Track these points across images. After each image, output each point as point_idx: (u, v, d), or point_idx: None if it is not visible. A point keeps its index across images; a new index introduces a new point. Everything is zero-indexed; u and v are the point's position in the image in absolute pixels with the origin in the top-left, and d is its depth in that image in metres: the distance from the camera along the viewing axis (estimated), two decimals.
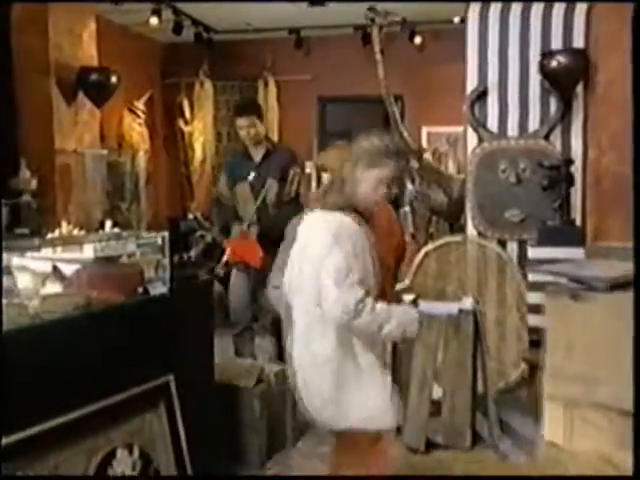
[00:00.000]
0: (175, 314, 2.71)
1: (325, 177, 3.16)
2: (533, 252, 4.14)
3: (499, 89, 4.64)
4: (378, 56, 4.70)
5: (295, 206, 3.98)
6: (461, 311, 3.34)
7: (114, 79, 5.14)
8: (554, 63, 4.17)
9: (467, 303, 3.44)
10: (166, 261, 2.65)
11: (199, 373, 2.91)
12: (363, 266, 2.19)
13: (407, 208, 4.84)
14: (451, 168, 6.43)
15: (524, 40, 4.51)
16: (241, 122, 4.24)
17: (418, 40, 6.73)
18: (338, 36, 6.81)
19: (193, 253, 6.56)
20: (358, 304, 2.09)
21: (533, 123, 4.59)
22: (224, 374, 3.27)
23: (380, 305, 2.16)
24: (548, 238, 4.11)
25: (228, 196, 4.45)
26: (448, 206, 4.92)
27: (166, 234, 2.67)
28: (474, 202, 4.68)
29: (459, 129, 6.57)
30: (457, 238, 4.55)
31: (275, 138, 7.07)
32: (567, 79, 4.16)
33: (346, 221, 2.21)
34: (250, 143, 4.30)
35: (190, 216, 7.08)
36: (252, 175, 4.22)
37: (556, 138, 4.53)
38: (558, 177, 4.09)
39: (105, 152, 5.67)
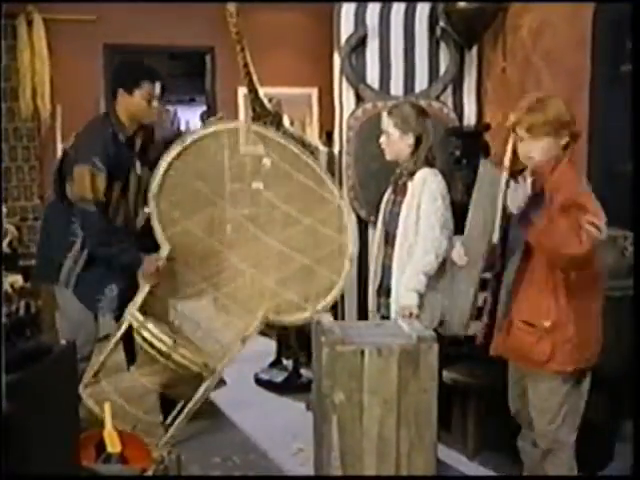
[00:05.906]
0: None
1: None
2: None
3: (380, 36, 3.68)
4: None
5: None
6: (420, 339, 2.33)
7: None
8: (462, 2, 3.31)
9: (415, 325, 2.44)
10: None
11: None
12: None
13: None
14: None
15: None
16: None
17: None
18: None
19: None
20: None
21: (420, 79, 3.72)
22: None
23: None
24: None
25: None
26: None
27: None
28: (354, 180, 3.68)
29: (288, 91, 5.56)
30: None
31: (47, 96, 5.31)
32: (477, 23, 3.32)
33: None
34: None
35: None
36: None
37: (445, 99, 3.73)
38: (473, 147, 3.25)
39: None
